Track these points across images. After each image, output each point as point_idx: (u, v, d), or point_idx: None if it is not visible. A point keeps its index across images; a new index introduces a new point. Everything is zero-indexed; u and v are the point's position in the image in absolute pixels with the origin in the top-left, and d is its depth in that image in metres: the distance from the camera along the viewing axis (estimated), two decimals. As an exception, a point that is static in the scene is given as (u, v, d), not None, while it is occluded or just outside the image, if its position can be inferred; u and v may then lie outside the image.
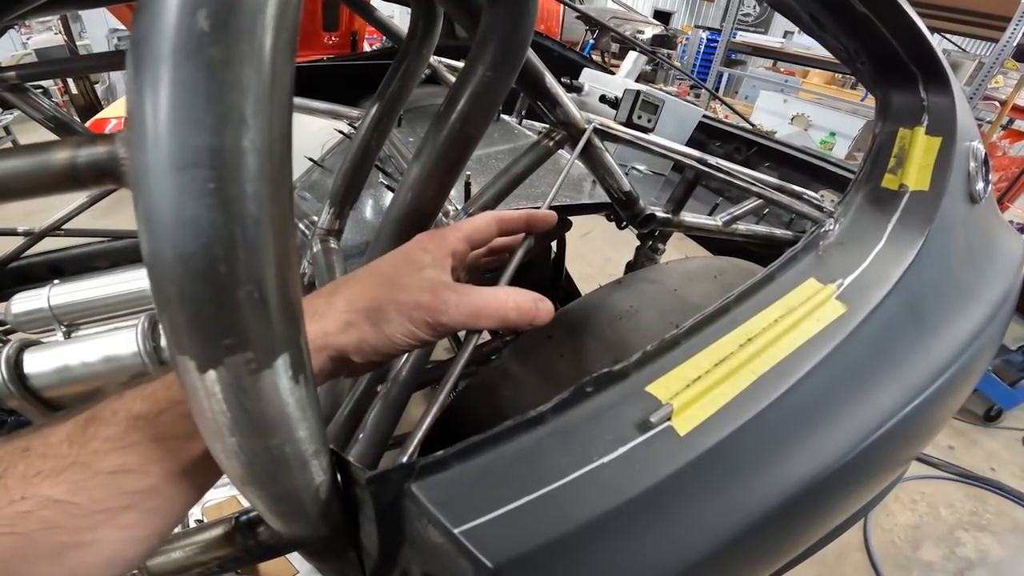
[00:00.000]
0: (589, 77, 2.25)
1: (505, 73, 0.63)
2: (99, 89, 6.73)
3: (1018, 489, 2.69)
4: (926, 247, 0.67)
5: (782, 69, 7.94)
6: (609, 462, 0.43)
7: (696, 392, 0.48)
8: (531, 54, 0.82)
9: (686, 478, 0.45)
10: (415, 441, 0.43)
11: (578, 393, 0.47)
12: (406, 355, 0.70)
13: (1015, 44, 4.02)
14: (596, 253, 4.27)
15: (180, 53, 0.21)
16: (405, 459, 0.42)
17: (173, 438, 0.34)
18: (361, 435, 0.58)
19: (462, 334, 0.51)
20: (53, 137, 1.49)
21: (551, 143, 1.00)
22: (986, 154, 0.85)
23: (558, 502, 0.40)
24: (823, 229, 0.70)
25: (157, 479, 0.33)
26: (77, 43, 6.63)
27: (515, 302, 0.47)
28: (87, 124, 3.99)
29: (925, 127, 0.72)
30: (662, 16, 14.76)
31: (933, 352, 0.63)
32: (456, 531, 0.37)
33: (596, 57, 9.16)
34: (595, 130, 1.01)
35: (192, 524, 1.75)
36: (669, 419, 0.46)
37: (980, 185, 0.81)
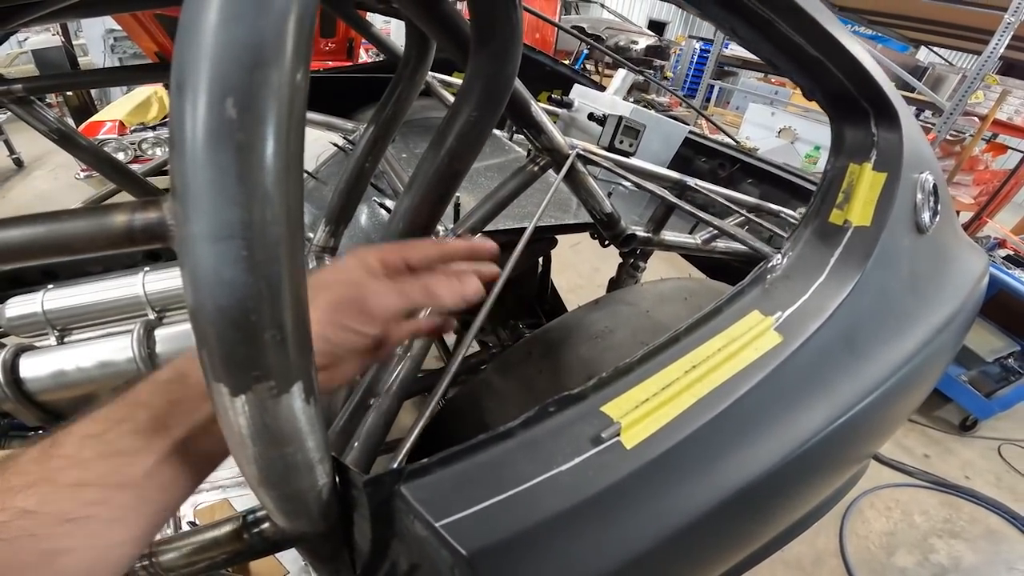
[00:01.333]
0: (579, 93, 2.29)
1: (490, 113, 0.69)
2: (93, 91, 6.73)
3: (991, 496, 2.74)
4: (864, 280, 0.74)
5: (772, 80, 8.06)
6: (566, 470, 0.51)
7: (643, 412, 0.56)
8: (518, 83, 0.88)
9: (630, 484, 0.52)
10: (405, 449, 0.50)
11: (542, 412, 0.54)
12: (396, 369, 0.76)
13: (998, 58, 4.10)
14: (585, 264, 4.32)
15: (213, 138, 0.26)
16: (396, 464, 0.50)
17: (120, 454, 0.38)
18: (356, 443, 0.65)
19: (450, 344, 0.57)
20: (51, 145, 1.53)
21: (536, 168, 1.06)
22: (935, 185, 0.92)
23: (523, 502, 0.48)
24: (771, 263, 0.77)
25: (113, 489, 0.37)
26: (73, 43, 6.62)
27: (441, 280, 0.51)
28: (81, 127, 4.02)
29: (873, 163, 0.78)
30: (656, 26, 14.91)
31: (862, 375, 0.70)
32: (437, 524, 0.44)
33: (591, 68, 9.26)
34: (578, 155, 1.07)
35: (184, 526, 1.77)
36: (618, 435, 0.54)
37: (926, 216, 0.88)
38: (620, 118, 1.21)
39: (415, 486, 0.47)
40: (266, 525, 0.53)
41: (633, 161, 1.23)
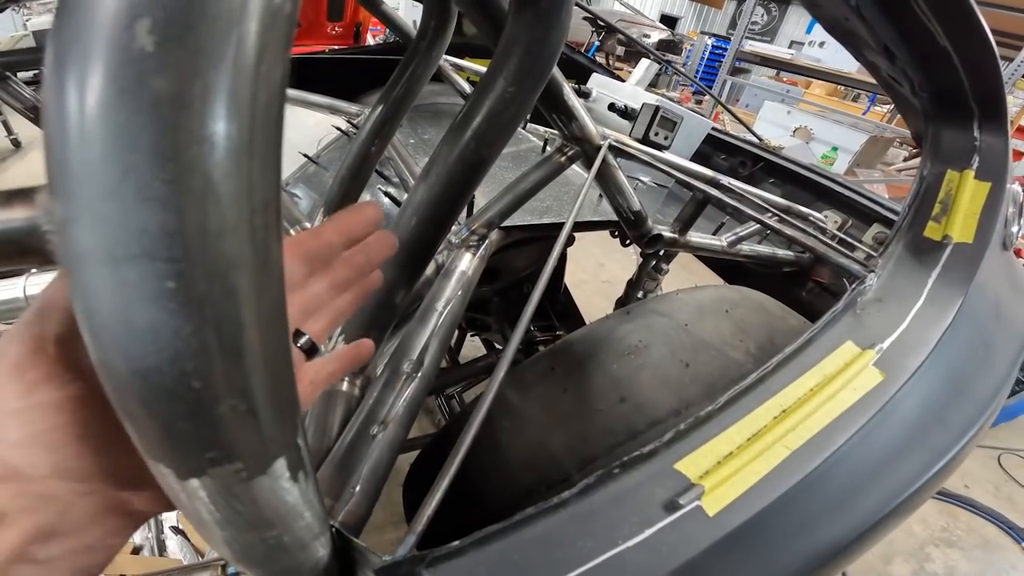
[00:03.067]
0: (597, 83, 2.18)
1: (529, 89, 0.58)
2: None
3: (989, 506, 2.71)
4: (964, 306, 0.64)
5: (785, 79, 7.92)
6: (635, 545, 0.40)
7: (728, 471, 0.45)
8: (553, 64, 0.76)
9: (715, 559, 0.42)
10: (421, 524, 0.39)
11: (605, 476, 0.43)
12: (405, 390, 0.65)
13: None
14: (590, 259, 4.23)
15: (112, 85, 0.14)
16: (413, 540, 0.39)
17: None
18: (357, 487, 0.53)
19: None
20: (35, 127, 1.43)
21: (563, 158, 0.95)
22: (1023, 196, 0.81)
23: None
24: (863, 285, 0.66)
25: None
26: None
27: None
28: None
29: (975, 171, 0.68)
30: (669, 21, 14.75)
31: (960, 416, 0.60)
32: None
33: (600, 59, 9.13)
34: (610, 147, 0.96)
35: (168, 532, 1.67)
36: (699, 499, 0.43)
37: (1015, 230, 0.77)
38: (656, 107, 1.10)
39: (442, 572, 0.36)
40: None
41: (668, 156, 1.12)
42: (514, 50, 0.54)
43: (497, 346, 1.83)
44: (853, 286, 0.67)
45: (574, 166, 0.97)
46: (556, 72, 0.81)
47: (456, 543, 0.38)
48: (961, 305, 0.63)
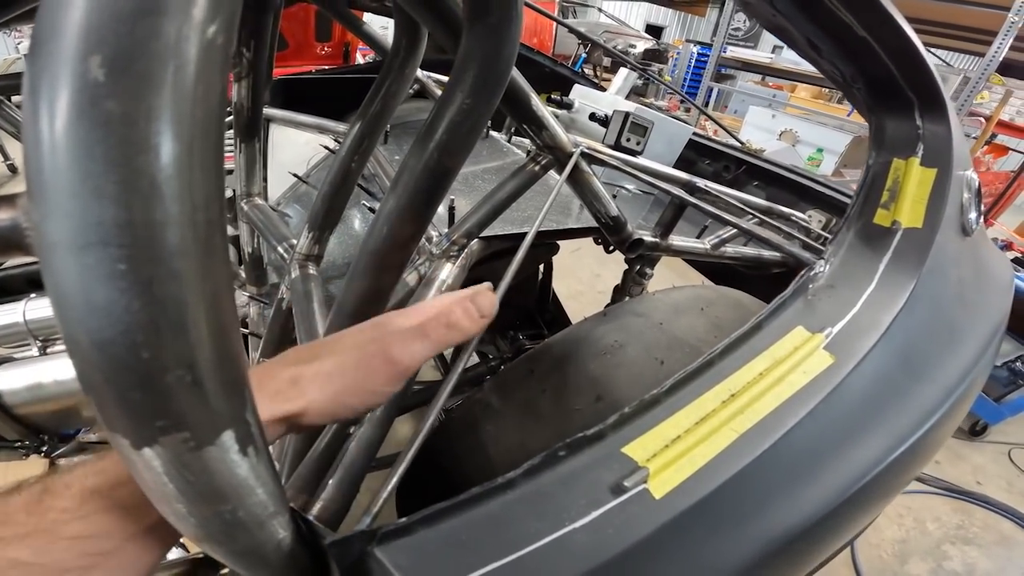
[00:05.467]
0: (579, 94, 2.23)
1: (485, 100, 0.61)
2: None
3: (1004, 502, 2.70)
4: (918, 289, 0.65)
5: (771, 83, 8.02)
6: (582, 526, 0.42)
7: (674, 453, 0.46)
8: (517, 74, 0.79)
9: (661, 541, 0.43)
10: (379, 502, 0.41)
11: (551, 457, 0.45)
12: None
13: (1001, 58, 4.06)
14: (585, 270, 4.25)
15: (74, 109, 0.18)
16: (369, 521, 0.41)
17: (131, 507, 0.35)
18: (331, 480, 0.55)
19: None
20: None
21: (537, 167, 0.98)
22: (979, 183, 0.84)
23: (527, 569, 0.39)
24: (813, 271, 0.68)
25: (119, 541, 0.35)
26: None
27: (452, 299, 0.47)
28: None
29: (920, 158, 0.70)
30: (654, 30, 14.94)
31: (921, 399, 0.61)
32: None
33: (588, 71, 9.24)
34: (582, 154, 0.99)
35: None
36: (645, 482, 0.45)
37: (973, 216, 0.79)
38: (627, 114, 1.13)
39: (393, 548, 0.38)
40: (225, 571, 0.45)
41: (641, 161, 1.15)
42: (470, 64, 0.57)
43: (490, 356, 1.85)
44: (802, 273, 0.69)
45: (556, 176, 1.00)
46: (523, 83, 0.84)
47: (404, 520, 0.40)
48: (914, 288, 0.65)
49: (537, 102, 0.88)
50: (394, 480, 0.42)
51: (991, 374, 3.25)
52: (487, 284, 0.49)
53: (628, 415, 0.49)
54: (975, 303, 0.79)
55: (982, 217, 0.84)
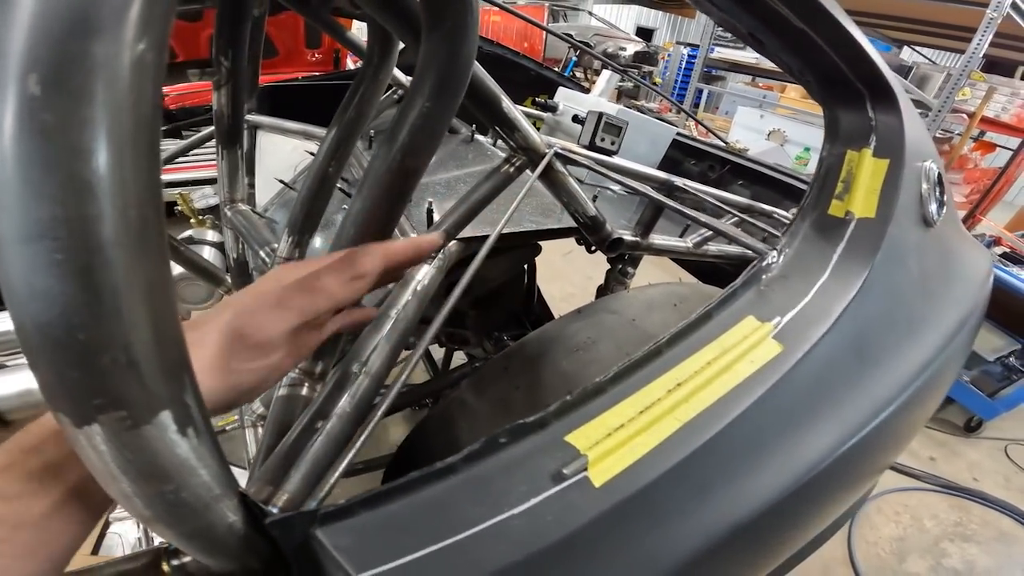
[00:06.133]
0: (564, 96, 2.25)
1: (446, 103, 0.62)
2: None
3: (1001, 498, 2.70)
4: (871, 278, 0.66)
5: (760, 84, 8.08)
6: (520, 512, 0.43)
7: (616, 442, 0.47)
8: (486, 77, 0.81)
9: (600, 529, 0.44)
10: (328, 485, 0.43)
11: (491, 443, 0.46)
12: (352, 387, 0.68)
13: (982, 55, 4.10)
14: (578, 273, 4.26)
15: (15, 120, 0.21)
16: (314, 505, 0.43)
17: (11, 499, 0.36)
18: (295, 472, 0.57)
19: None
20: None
21: (512, 168, 0.99)
22: (940, 174, 0.85)
23: (465, 552, 0.40)
24: (765, 262, 0.69)
25: (10, 532, 0.35)
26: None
27: (329, 274, 0.48)
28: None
29: (873, 149, 0.71)
30: (644, 33, 15.01)
31: (876, 387, 0.62)
32: None
33: (579, 74, 9.27)
34: (556, 154, 1.00)
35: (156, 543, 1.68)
36: (585, 470, 0.45)
37: (933, 207, 0.81)
38: (600, 114, 1.15)
39: (334, 530, 0.40)
40: (188, 559, 0.46)
41: (616, 160, 1.17)
42: (428, 69, 0.59)
43: (476, 358, 1.86)
44: (753, 263, 0.70)
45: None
46: (493, 86, 0.86)
47: (344, 501, 0.41)
48: (867, 278, 0.66)
49: (508, 104, 0.89)
50: (343, 465, 0.44)
51: (984, 369, 3.28)
52: (374, 244, 0.51)
53: (571, 403, 0.50)
54: (939, 293, 0.80)
55: (945, 208, 0.86)
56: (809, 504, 0.54)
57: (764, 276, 0.67)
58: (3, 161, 0.21)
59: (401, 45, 0.98)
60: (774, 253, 0.70)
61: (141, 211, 0.24)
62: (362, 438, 0.46)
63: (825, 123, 0.75)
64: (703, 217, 0.98)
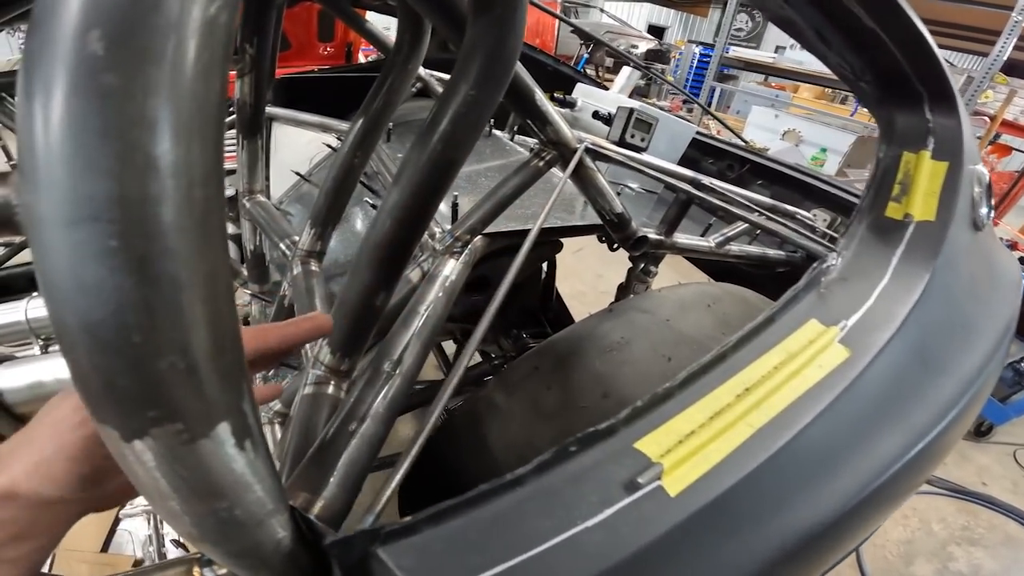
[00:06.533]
0: (582, 92, 2.22)
1: (490, 92, 0.60)
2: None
3: (1009, 503, 2.68)
4: (932, 282, 0.64)
5: (773, 84, 8.00)
6: (594, 525, 0.40)
7: (689, 449, 0.45)
8: (521, 69, 0.78)
9: (677, 540, 0.42)
10: (383, 500, 0.40)
11: (561, 453, 0.43)
12: (384, 388, 0.66)
13: (1005, 58, 4.05)
14: (588, 271, 4.24)
15: (70, 82, 0.18)
16: (372, 520, 0.40)
17: None
18: (332, 478, 0.54)
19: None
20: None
21: (541, 163, 0.97)
22: (989, 178, 0.83)
23: (537, 569, 0.37)
24: (825, 264, 0.67)
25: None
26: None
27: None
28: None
29: (931, 151, 0.69)
30: (656, 31, 14.93)
31: (939, 394, 0.60)
32: None
33: (591, 71, 9.23)
34: (587, 150, 0.98)
35: (168, 543, 1.67)
36: (659, 479, 0.43)
37: (983, 211, 0.78)
38: (631, 110, 1.12)
39: (397, 549, 0.37)
40: (224, 572, 0.44)
41: (646, 157, 1.14)
42: (474, 55, 0.56)
43: (492, 355, 1.84)
44: (814, 265, 0.68)
45: (560, 175, 0.99)
46: (527, 78, 0.84)
47: (409, 519, 0.38)
48: (928, 281, 0.64)
49: (541, 97, 0.87)
50: (397, 478, 0.41)
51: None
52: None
53: (640, 409, 0.47)
54: (987, 299, 0.78)
55: (992, 212, 0.83)
56: (871, 512, 0.52)
57: (824, 279, 0.64)
58: (51, 127, 0.18)
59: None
60: (834, 255, 0.68)
61: (205, 192, 0.21)
62: (416, 447, 0.43)
63: (880, 126, 0.72)
64: (745, 215, 0.96)
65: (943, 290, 0.65)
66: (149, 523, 1.59)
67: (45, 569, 0.40)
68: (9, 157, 5.30)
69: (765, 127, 6.08)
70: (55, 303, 0.20)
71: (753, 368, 0.52)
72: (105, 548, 1.54)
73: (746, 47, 7.10)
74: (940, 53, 0.63)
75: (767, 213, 1.19)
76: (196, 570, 0.46)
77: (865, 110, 7.80)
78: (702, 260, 1.95)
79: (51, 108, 0.18)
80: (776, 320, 0.57)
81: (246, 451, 0.26)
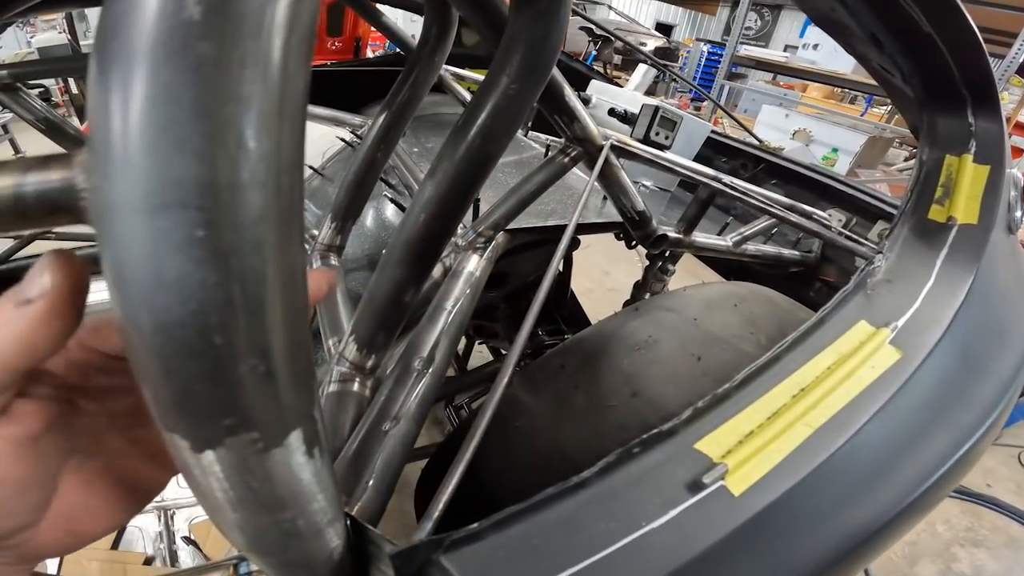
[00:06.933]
0: (597, 89, 2.21)
1: (532, 85, 0.59)
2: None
3: (1014, 505, 2.70)
4: (975, 285, 0.64)
5: (781, 83, 7.96)
6: (659, 527, 0.39)
7: (750, 449, 0.45)
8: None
9: (742, 540, 0.41)
10: (438, 509, 0.38)
11: (624, 455, 0.43)
12: (416, 386, 0.65)
13: (1021, 60, 4.02)
14: (595, 268, 4.23)
15: (160, 48, 0.16)
16: (430, 527, 0.39)
17: None
18: (370, 482, 0.53)
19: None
20: (47, 141, 1.44)
21: (566, 159, 0.96)
22: (1024, 182, 0.82)
23: (603, 573, 0.37)
24: (872, 266, 0.66)
25: None
26: (81, 42, 6.56)
27: None
28: (84, 126, 3.94)
29: (973, 154, 0.69)
30: (664, 29, 14.88)
31: (981, 395, 0.60)
32: None
33: (598, 68, 9.21)
34: (612, 147, 0.97)
35: (179, 540, 1.67)
36: (722, 479, 0.42)
37: (1018, 214, 0.78)
38: (656, 107, 1.11)
39: (460, 557, 0.36)
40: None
41: (669, 155, 1.13)
42: (516, 48, 0.55)
43: (504, 352, 1.83)
44: (862, 267, 0.67)
45: (576, 171, 0.98)
46: (557, 74, 0.82)
47: (475, 525, 0.37)
48: (972, 284, 0.64)
49: (570, 93, 0.85)
50: (452, 483, 0.40)
51: (1004, 378, 3.25)
52: None
53: (700, 410, 0.47)
54: (1017, 301, 0.77)
55: (1024, 215, 0.82)
56: (919, 512, 0.52)
57: (870, 280, 0.64)
58: (134, 103, 0.16)
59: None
60: (880, 256, 0.67)
61: (292, 179, 0.19)
62: (470, 451, 0.42)
63: (923, 128, 0.72)
64: (773, 209, 0.95)
65: (984, 293, 0.65)
66: (159, 520, 1.59)
67: (53, 569, 0.37)
68: (16, 150, 5.31)
69: (775, 126, 6.05)
70: (126, 300, 0.18)
71: (807, 369, 0.52)
72: (115, 546, 1.54)
73: (756, 46, 7.05)
74: (988, 56, 0.63)
75: (786, 212, 1.18)
76: (232, 573, 0.45)
77: (875, 111, 7.77)
78: (714, 259, 1.94)
79: (135, 80, 0.16)
80: (826, 322, 0.57)
81: (314, 459, 0.25)
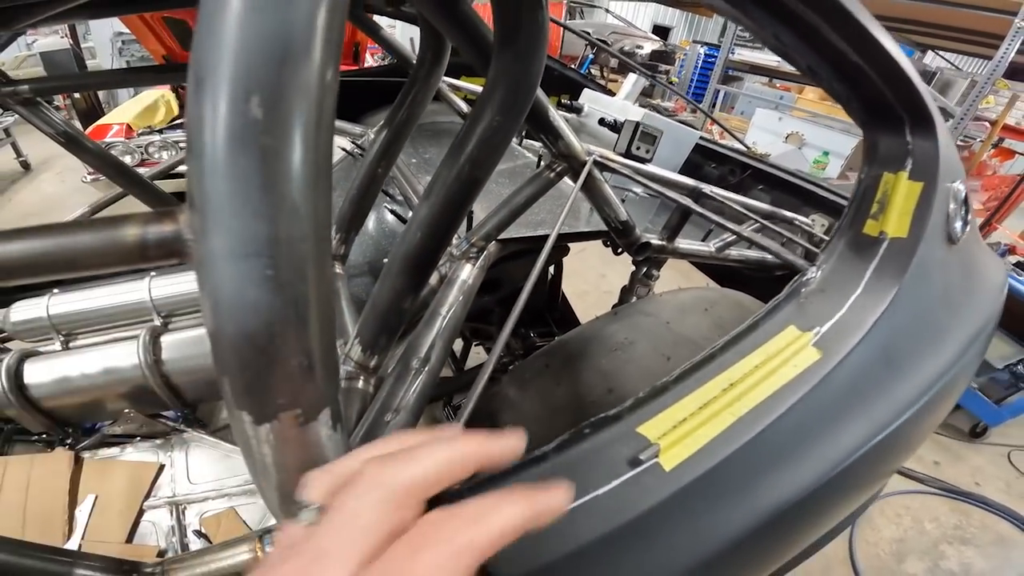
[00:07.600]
0: (589, 98, 2.28)
1: (514, 117, 0.66)
2: (101, 94, 6.73)
3: (1001, 503, 2.73)
4: (901, 294, 0.71)
5: (777, 85, 8.03)
6: (603, 494, 0.48)
7: (682, 432, 0.53)
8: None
9: (671, 507, 0.50)
10: None
11: (577, 434, 0.51)
12: (415, 382, 0.73)
13: (1007, 63, 4.06)
14: (591, 271, 4.30)
15: (236, 142, 0.23)
16: None
17: None
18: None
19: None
20: (59, 148, 1.50)
21: (552, 174, 1.03)
22: (966, 194, 0.89)
23: (560, 527, 0.45)
24: (805, 277, 0.74)
25: None
26: (82, 46, 6.62)
27: None
28: (88, 130, 4.00)
29: (908, 172, 0.75)
30: (661, 31, 14.91)
31: (900, 391, 0.67)
32: None
33: (595, 71, 9.26)
34: (595, 162, 1.04)
35: (191, 535, 1.74)
36: (656, 456, 0.51)
37: (958, 225, 0.84)
38: (637, 124, 1.19)
39: None
40: None
41: (650, 168, 1.21)
42: (499, 85, 0.63)
43: (500, 353, 1.90)
44: (795, 278, 0.75)
45: (568, 181, 1.05)
46: (541, 95, 0.90)
47: (456, 487, 0.44)
48: (897, 293, 0.70)
49: (554, 114, 0.93)
50: None
51: (992, 376, 3.29)
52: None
53: (642, 399, 0.55)
54: (959, 304, 0.84)
55: (968, 225, 0.89)
56: (837, 494, 0.61)
57: (803, 290, 0.71)
58: (221, 182, 0.24)
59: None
60: (813, 268, 0.75)
61: (325, 232, 0.27)
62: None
63: (864, 147, 0.79)
64: (732, 226, 1.02)
65: (912, 300, 0.72)
66: (171, 515, 1.65)
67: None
68: (18, 153, 5.35)
69: (769, 130, 6.11)
70: (218, 317, 0.26)
71: (738, 367, 0.60)
72: (130, 539, 1.59)
73: (751, 48, 7.12)
74: (919, 81, 0.70)
75: (762, 221, 1.26)
76: (258, 545, 0.52)
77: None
78: (704, 263, 2.01)
79: (220, 164, 0.24)
80: (759, 326, 0.65)
81: (337, 432, 0.33)
